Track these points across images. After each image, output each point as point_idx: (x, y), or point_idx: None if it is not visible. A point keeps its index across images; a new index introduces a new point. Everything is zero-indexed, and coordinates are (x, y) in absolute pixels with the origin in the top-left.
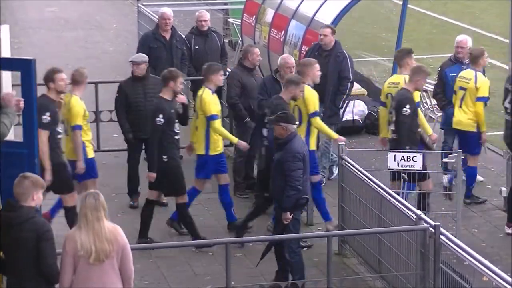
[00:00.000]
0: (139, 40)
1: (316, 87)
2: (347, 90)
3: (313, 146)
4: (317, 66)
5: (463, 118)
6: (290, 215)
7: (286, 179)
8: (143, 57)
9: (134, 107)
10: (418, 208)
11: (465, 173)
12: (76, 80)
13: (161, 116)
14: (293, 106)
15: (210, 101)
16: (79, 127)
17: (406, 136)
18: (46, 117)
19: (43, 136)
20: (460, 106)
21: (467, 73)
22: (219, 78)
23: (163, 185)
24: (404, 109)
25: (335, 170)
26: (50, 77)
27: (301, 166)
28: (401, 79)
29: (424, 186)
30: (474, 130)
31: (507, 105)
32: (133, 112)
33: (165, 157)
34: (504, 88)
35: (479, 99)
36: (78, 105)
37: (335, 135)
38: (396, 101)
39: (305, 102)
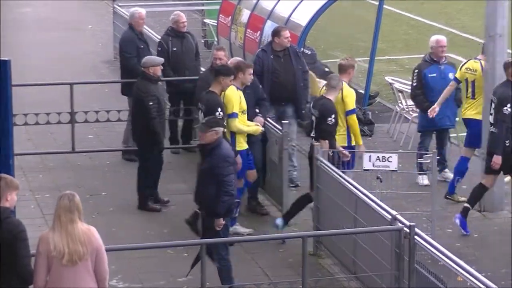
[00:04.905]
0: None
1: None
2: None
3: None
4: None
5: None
6: (223, 221)
7: (220, 184)
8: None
9: None
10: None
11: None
12: None
13: None
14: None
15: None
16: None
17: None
18: None
19: None
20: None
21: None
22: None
23: None
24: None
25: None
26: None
27: (233, 170)
28: (477, 66)
29: None
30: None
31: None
32: None
33: None
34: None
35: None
36: None
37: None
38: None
39: (344, 99)
